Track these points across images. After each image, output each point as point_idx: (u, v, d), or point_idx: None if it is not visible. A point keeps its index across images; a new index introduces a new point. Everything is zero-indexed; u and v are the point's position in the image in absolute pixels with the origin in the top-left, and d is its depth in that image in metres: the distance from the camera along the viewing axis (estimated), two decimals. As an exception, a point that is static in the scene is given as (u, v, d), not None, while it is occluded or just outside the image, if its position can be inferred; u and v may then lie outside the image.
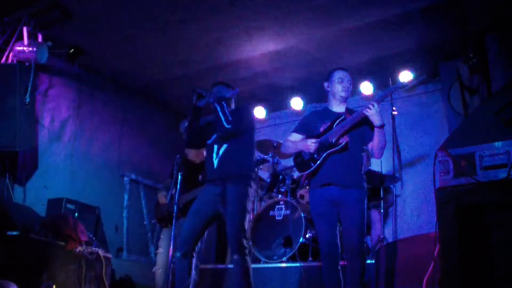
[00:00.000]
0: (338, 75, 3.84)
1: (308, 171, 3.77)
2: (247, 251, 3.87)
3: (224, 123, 3.84)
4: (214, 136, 4.14)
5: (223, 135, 3.97)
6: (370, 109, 3.55)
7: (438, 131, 6.02)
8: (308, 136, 3.83)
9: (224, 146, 4.04)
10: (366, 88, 6.34)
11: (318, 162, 3.70)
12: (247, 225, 3.97)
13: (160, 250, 4.93)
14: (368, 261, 4.07)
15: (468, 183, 2.54)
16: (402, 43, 5.44)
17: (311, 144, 3.73)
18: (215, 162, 4.04)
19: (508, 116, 2.68)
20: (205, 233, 4.22)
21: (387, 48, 5.34)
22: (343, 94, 3.82)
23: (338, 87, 3.81)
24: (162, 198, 5.01)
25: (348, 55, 5.80)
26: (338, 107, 3.86)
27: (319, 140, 3.73)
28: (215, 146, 4.08)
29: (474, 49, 5.17)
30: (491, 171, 2.50)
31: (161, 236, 5.03)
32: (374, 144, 3.67)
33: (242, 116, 4.05)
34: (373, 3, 4.84)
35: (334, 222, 3.67)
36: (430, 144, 5.91)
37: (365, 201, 3.68)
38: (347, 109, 3.86)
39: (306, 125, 3.96)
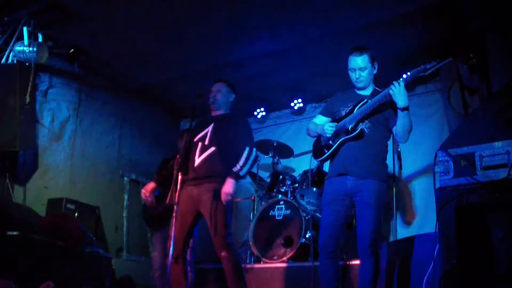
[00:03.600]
0: (350, 64, 3.59)
1: (321, 158, 3.63)
2: (233, 246, 3.81)
3: None
4: (202, 134, 4.11)
5: None
6: (395, 87, 3.29)
7: (438, 131, 6.02)
8: (333, 119, 3.65)
9: (211, 147, 3.99)
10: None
11: (332, 149, 3.53)
12: (230, 221, 3.90)
13: (155, 253, 4.91)
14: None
15: (468, 183, 2.54)
16: (402, 43, 5.43)
17: (328, 129, 3.52)
18: (197, 160, 3.99)
19: (508, 116, 2.69)
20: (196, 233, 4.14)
21: (387, 48, 5.33)
22: (357, 85, 3.61)
23: (351, 76, 3.61)
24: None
25: (348, 55, 5.77)
26: (363, 90, 3.63)
27: (336, 125, 3.54)
28: (200, 145, 4.04)
29: (474, 49, 5.17)
30: (491, 171, 2.50)
31: (154, 239, 5.00)
32: (398, 128, 3.42)
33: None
34: (373, 3, 4.84)
35: (339, 214, 3.45)
36: (430, 144, 5.91)
37: (383, 195, 3.43)
38: (373, 90, 3.62)
39: (330, 108, 3.77)
